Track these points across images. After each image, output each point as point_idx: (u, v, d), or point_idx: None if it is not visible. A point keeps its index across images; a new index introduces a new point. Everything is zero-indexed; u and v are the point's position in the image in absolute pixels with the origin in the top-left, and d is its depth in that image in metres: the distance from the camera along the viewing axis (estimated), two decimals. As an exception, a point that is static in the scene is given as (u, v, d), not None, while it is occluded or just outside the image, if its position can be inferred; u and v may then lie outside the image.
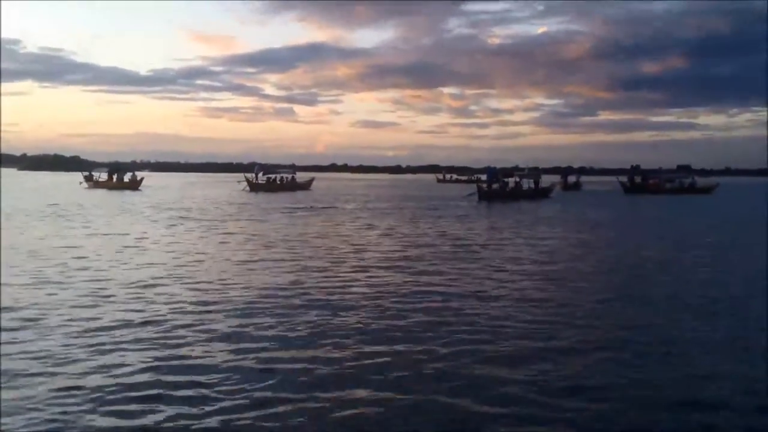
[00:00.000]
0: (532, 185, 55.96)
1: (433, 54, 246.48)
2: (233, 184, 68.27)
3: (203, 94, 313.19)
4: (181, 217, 29.57)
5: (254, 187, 64.05)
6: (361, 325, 9.52)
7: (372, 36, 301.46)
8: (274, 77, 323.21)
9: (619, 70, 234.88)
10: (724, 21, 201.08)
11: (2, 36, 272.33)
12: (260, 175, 66.41)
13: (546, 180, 63.62)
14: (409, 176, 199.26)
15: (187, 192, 60.40)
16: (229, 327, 9.32)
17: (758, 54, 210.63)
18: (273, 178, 66.92)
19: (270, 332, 9.05)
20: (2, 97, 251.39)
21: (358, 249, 18.71)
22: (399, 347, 8.41)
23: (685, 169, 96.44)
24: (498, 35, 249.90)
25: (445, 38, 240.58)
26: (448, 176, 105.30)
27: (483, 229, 25.31)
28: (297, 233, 22.94)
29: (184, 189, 68.16)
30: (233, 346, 8.34)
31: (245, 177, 66.04)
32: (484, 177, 55.74)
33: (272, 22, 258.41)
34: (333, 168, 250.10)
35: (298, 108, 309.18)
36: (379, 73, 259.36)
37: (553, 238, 22.31)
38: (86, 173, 68.81)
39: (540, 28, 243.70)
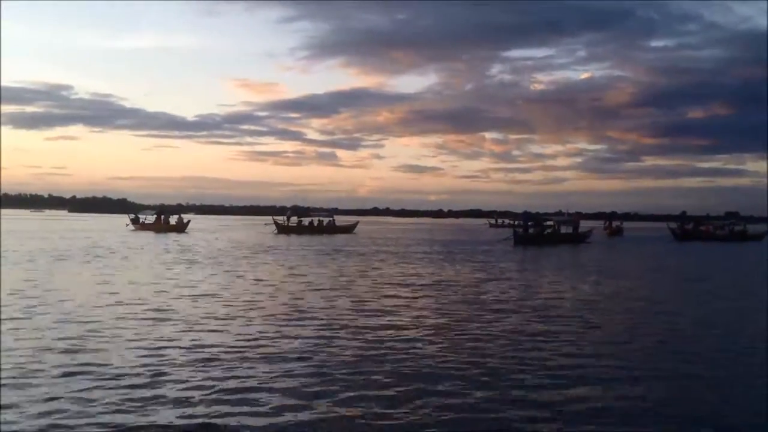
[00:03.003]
0: (570, 230, 55.18)
1: (475, 99, 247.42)
2: (268, 227, 69.05)
3: (248, 139, 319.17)
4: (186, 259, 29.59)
5: (283, 229, 64.76)
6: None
7: (414, 82, 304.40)
8: (317, 122, 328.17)
9: (663, 115, 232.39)
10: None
11: (54, 82, 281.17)
12: (291, 218, 67.50)
13: (587, 225, 63.28)
14: (459, 220, 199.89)
15: (218, 234, 60.86)
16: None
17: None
18: (301, 221, 67.40)
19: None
20: (52, 142, 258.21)
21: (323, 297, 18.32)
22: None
23: (733, 216, 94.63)
24: (540, 81, 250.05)
25: (487, 84, 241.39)
26: (500, 221, 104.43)
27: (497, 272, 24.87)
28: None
29: (216, 231, 68.97)
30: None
31: (273, 220, 67.36)
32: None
33: (315, 68, 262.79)
34: (375, 212, 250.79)
35: (340, 152, 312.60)
36: (421, 118, 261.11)
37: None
38: (132, 216, 69.88)
39: (582, 74, 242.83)
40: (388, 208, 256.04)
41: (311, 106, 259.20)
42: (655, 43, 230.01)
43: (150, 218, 67.46)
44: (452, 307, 15.94)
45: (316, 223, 67.07)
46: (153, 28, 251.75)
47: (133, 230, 63.27)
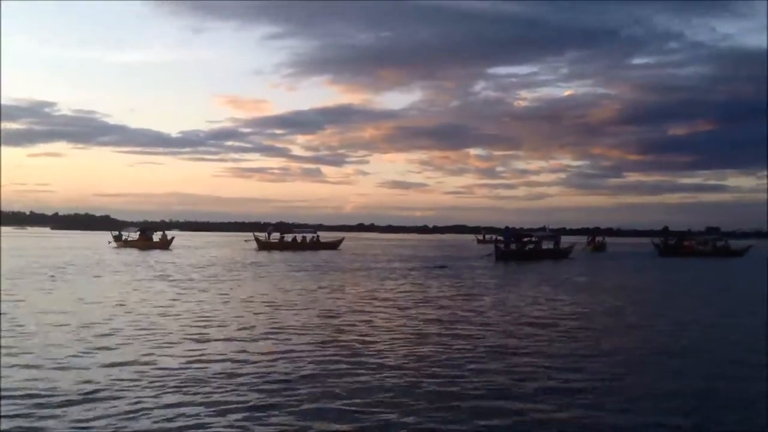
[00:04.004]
0: (551, 245, 55.30)
1: (460, 116, 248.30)
2: (249, 243, 68.87)
3: (233, 155, 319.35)
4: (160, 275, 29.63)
5: (264, 246, 64.66)
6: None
7: (400, 98, 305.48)
8: (302, 138, 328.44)
9: (646, 132, 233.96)
10: (751, 86, 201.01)
11: (37, 99, 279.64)
12: (272, 234, 67.52)
13: (570, 241, 63.83)
14: (444, 236, 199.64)
15: (199, 251, 60.45)
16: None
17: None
18: (284, 237, 67.18)
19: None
20: (36, 158, 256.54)
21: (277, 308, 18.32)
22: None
23: (714, 231, 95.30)
24: (525, 98, 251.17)
25: (472, 101, 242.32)
26: (487, 236, 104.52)
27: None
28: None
29: (199, 248, 68.51)
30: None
31: (254, 236, 67.21)
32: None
33: (302, 85, 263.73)
34: (360, 228, 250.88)
35: (325, 169, 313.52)
36: (407, 134, 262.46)
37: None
38: (115, 233, 69.46)
39: (566, 91, 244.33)
40: (373, 224, 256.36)
41: (297, 123, 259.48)
42: (638, 61, 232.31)
43: (133, 235, 67.16)
44: (419, 324, 15.99)
45: (299, 240, 66.93)
46: (139, 44, 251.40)
47: (115, 247, 62.85)
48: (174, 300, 20.36)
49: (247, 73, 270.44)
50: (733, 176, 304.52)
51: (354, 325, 15.54)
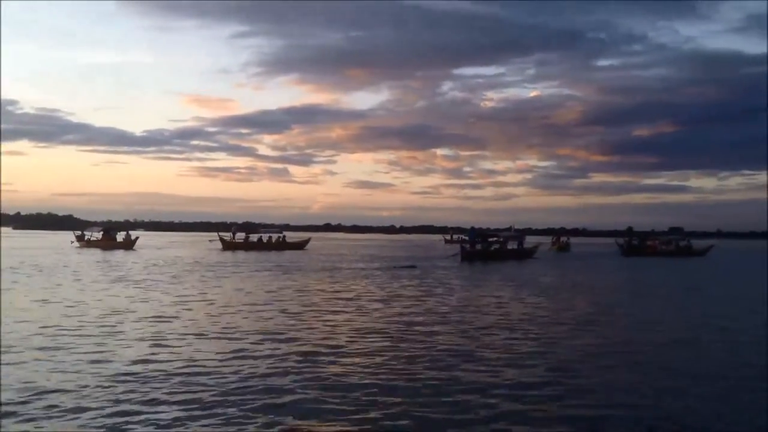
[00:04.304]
0: (516, 246, 55.77)
1: (427, 116, 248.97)
2: (213, 243, 68.46)
3: (198, 154, 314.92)
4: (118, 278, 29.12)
5: (228, 246, 64.26)
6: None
7: (367, 98, 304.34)
8: (269, 138, 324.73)
9: (611, 133, 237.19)
10: (714, 88, 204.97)
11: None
12: (237, 234, 67.17)
13: (535, 241, 64.62)
14: (411, 236, 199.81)
15: (163, 251, 59.74)
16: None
17: (748, 120, 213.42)
18: (249, 237, 66.67)
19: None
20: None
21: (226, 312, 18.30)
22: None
23: (677, 231, 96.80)
24: (491, 98, 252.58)
25: (439, 101, 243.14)
26: (455, 236, 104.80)
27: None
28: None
29: (163, 248, 67.74)
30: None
31: (219, 236, 66.73)
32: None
33: (269, 85, 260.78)
34: (327, 228, 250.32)
35: (292, 168, 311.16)
36: (374, 134, 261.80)
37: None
38: (78, 232, 68.38)
39: (532, 92, 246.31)
40: (340, 224, 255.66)
41: (264, 122, 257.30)
42: (603, 63, 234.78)
43: (96, 235, 66.19)
44: (376, 324, 16.01)
45: (265, 240, 66.60)
46: (105, 43, 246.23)
47: (78, 247, 61.91)
48: (129, 300, 20.15)
49: (213, 72, 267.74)
50: (695, 177, 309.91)
51: (311, 326, 15.52)
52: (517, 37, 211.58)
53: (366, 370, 10.74)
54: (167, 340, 13.20)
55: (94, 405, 8.41)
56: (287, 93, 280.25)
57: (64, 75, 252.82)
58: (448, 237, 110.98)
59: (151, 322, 15.62)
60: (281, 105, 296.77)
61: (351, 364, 11.15)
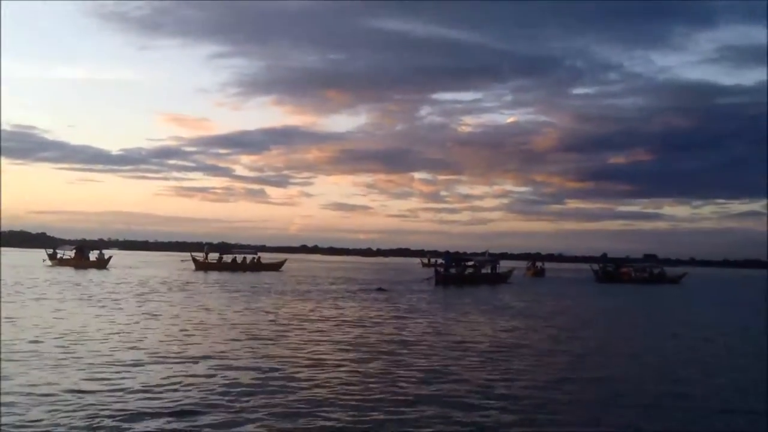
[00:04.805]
0: (490, 270, 56.02)
1: (405, 140, 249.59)
2: (185, 263, 68.01)
3: (175, 174, 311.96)
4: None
5: (201, 266, 63.67)
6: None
7: (345, 121, 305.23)
8: (246, 158, 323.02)
9: (587, 161, 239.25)
10: (687, 118, 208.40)
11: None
12: (210, 254, 66.37)
13: (510, 266, 65.14)
14: (388, 259, 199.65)
15: (133, 271, 58.96)
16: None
17: (720, 149, 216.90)
18: (222, 257, 66.16)
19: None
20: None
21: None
22: None
23: (651, 258, 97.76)
24: (468, 123, 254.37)
25: (417, 125, 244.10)
26: (432, 260, 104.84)
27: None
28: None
29: (137, 268, 66.78)
30: None
31: (191, 256, 66.21)
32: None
33: (247, 105, 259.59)
34: (304, 249, 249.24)
35: (269, 189, 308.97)
36: (352, 157, 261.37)
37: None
38: (50, 251, 67.42)
39: (509, 118, 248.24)
40: (316, 246, 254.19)
41: (241, 143, 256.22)
42: (579, 91, 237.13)
43: (69, 253, 65.20)
44: (339, 346, 16.14)
45: (240, 260, 66.20)
46: (83, 60, 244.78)
47: (50, 266, 61.04)
48: (95, 320, 19.98)
49: (191, 92, 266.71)
50: (669, 205, 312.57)
51: (276, 348, 15.54)
52: (494, 63, 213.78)
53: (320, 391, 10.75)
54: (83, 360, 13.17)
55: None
56: (265, 114, 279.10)
57: (41, 91, 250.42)
58: (425, 260, 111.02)
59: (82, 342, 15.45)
60: (259, 126, 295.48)
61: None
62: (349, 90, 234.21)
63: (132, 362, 13.01)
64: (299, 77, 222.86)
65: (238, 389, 10.89)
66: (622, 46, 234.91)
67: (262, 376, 12.09)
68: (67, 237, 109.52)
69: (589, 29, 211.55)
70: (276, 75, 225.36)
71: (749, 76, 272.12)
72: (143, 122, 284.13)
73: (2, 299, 25.87)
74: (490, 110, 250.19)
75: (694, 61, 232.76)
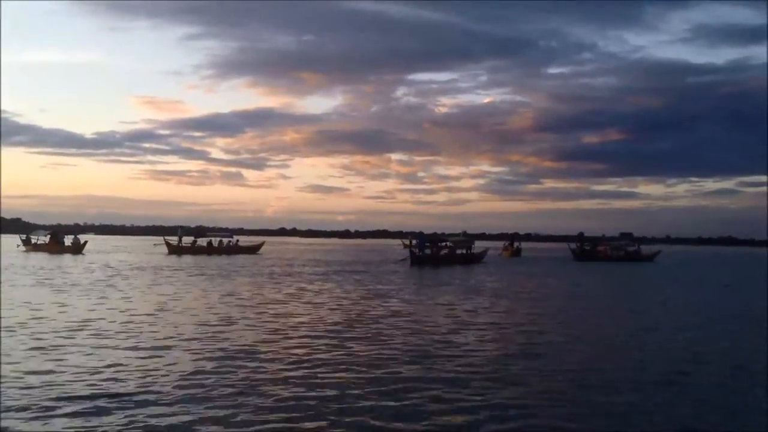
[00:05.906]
0: (465, 251, 56.55)
1: (381, 121, 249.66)
2: (158, 247, 67.59)
3: (150, 157, 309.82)
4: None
5: (174, 250, 63.41)
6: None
7: (321, 103, 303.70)
8: (221, 141, 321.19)
9: (562, 140, 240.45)
10: (660, 97, 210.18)
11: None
12: (184, 238, 66.20)
13: (485, 245, 66.62)
14: (366, 241, 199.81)
15: (108, 255, 58.53)
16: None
17: (692, 128, 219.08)
18: (196, 241, 66.12)
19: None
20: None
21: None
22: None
23: (627, 236, 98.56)
24: (445, 104, 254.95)
25: (393, 106, 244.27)
26: (413, 242, 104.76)
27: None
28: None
29: (111, 252, 66.58)
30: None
31: (165, 239, 65.95)
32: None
33: (221, 87, 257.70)
34: (282, 232, 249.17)
35: (246, 172, 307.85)
36: (328, 138, 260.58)
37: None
38: (24, 236, 66.80)
39: (485, 99, 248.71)
40: (295, 229, 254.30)
41: (216, 125, 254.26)
42: (553, 71, 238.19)
43: (43, 239, 64.56)
44: (309, 327, 16.33)
45: (216, 244, 66.02)
46: (53, 43, 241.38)
47: (24, 251, 60.52)
48: (57, 306, 19.87)
49: (164, 74, 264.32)
50: (643, 184, 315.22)
51: (240, 333, 15.55)
52: (469, 43, 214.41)
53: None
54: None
55: None
56: (240, 96, 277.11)
57: (11, 75, 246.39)
58: (406, 242, 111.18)
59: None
60: (234, 108, 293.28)
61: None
62: (324, 71, 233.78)
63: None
64: (273, 59, 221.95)
65: (178, 374, 10.80)
66: (596, 26, 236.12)
67: (201, 360, 12.07)
68: (41, 222, 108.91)
69: (563, 9, 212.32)
70: (250, 57, 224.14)
71: (721, 55, 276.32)
72: (116, 105, 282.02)
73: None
74: (465, 91, 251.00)
75: (667, 40, 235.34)
